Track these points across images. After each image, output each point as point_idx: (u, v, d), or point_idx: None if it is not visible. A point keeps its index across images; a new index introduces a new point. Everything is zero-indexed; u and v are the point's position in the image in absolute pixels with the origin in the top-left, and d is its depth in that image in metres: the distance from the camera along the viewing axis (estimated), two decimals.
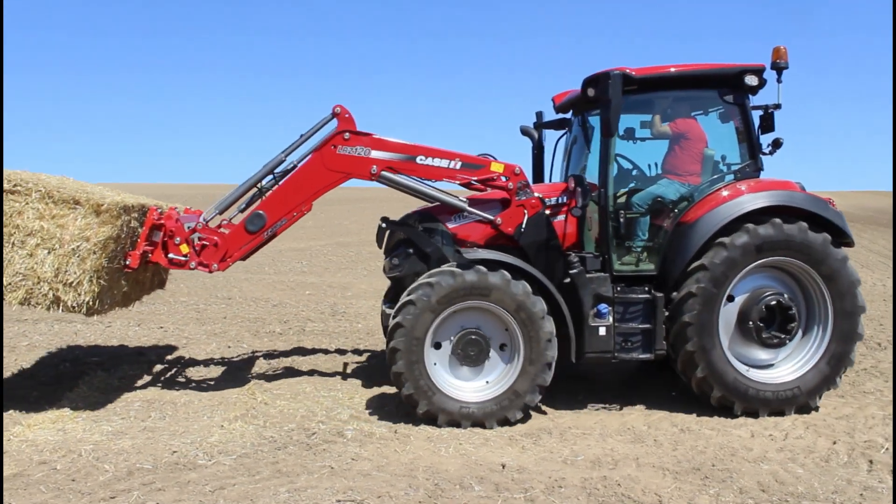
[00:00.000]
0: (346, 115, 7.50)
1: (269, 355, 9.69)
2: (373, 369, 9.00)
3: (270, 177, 7.73)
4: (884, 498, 5.44)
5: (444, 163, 7.60)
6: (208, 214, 7.67)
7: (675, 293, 7.25)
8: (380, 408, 7.45)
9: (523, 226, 7.55)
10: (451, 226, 7.75)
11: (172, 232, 7.38)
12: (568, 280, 7.35)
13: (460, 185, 7.79)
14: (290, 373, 8.80)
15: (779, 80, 7.52)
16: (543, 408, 7.51)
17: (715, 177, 7.67)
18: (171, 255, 7.40)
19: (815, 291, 7.38)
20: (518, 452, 6.27)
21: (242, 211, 7.84)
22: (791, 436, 6.78)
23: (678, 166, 7.73)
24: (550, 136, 9.17)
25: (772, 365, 7.47)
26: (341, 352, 9.95)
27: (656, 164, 8.04)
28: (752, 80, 7.43)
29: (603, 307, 7.28)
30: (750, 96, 7.67)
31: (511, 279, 6.89)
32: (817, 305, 7.41)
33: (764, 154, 7.71)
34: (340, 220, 36.26)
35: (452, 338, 7.04)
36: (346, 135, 7.48)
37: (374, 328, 11.55)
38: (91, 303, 6.80)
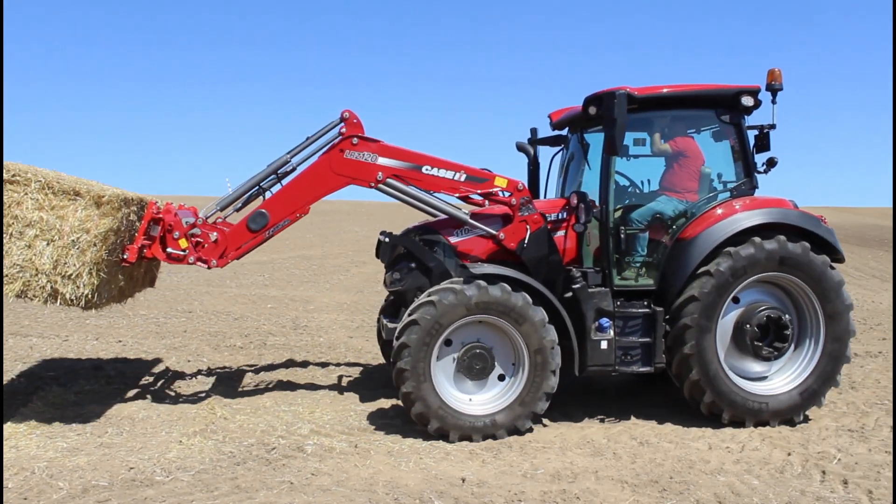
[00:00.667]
0: (355, 121, 7.54)
1: (230, 369, 9.61)
2: (334, 384, 8.97)
3: (274, 176, 7.72)
4: None
5: (449, 174, 7.65)
6: (208, 211, 7.61)
7: (672, 316, 7.41)
8: (340, 422, 7.43)
9: (526, 241, 7.62)
10: (453, 240, 7.80)
11: (171, 226, 7.32)
12: (569, 294, 7.45)
13: (458, 198, 7.83)
14: (251, 387, 8.75)
15: (773, 101, 7.75)
16: None
17: (711, 194, 7.86)
18: (169, 250, 7.35)
19: (808, 309, 7.59)
20: (478, 466, 6.28)
21: (238, 210, 7.81)
22: (747, 448, 6.88)
23: (676, 183, 7.89)
24: (544, 152, 9.31)
25: (765, 377, 7.66)
26: (303, 366, 9.89)
27: (649, 181, 8.22)
28: (748, 100, 7.65)
29: (604, 321, 7.42)
30: (745, 116, 7.89)
31: (511, 291, 6.97)
32: (809, 323, 7.61)
33: (759, 172, 7.92)
34: (303, 232, 36.07)
35: (456, 353, 7.09)
36: (355, 140, 7.51)
37: (336, 342, 11.53)
38: (90, 296, 6.72)
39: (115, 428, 7.09)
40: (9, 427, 7.01)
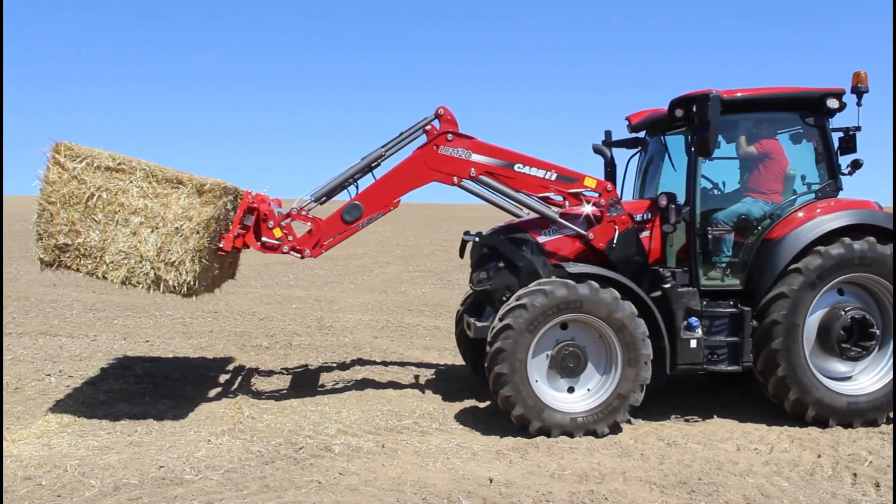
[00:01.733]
0: (449, 117, 7.60)
1: (256, 369, 9.67)
2: (360, 383, 8.99)
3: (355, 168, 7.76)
4: None
5: (540, 173, 7.70)
6: (302, 202, 7.68)
7: (760, 314, 7.47)
8: (367, 422, 7.45)
9: (614, 241, 7.70)
10: (541, 239, 7.84)
11: (266, 216, 7.46)
12: (658, 294, 7.52)
13: (537, 196, 7.84)
14: (277, 387, 8.79)
15: (858, 104, 7.80)
16: None
17: (796, 196, 7.94)
18: (264, 239, 7.48)
19: (889, 304, 7.66)
20: (506, 467, 6.27)
21: (322, 203, 7.83)
22: (776, 449, 6.82)
23: (762, 185, 7.93)
24: (619, 154, 9.36)
25: (849, 377, 7.70)
26: (328, 366, 9.93)
27: (724, 183, 8.31)
28: (833, 103, 7.72)
29: (693, 320, 7.47)
30: (829, 119, 7.92)
31: (600, 288, 7.06)
32: (894, 323, 7.66)
33: (843, 174, 7.98)
34: None
35: (550, 352, 7.17)
36: (449, 136, 7.57)
37: (361, 342, 11.55)
38: (192, 282, 6.86)
39: (144, 427, 7.16)
40: (41, 425, 7.11)
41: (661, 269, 7.66)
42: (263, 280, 19.07)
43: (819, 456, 6.64)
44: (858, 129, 7.92)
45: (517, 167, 7.67)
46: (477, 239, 8.07)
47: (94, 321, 12.86)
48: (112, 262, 6.74)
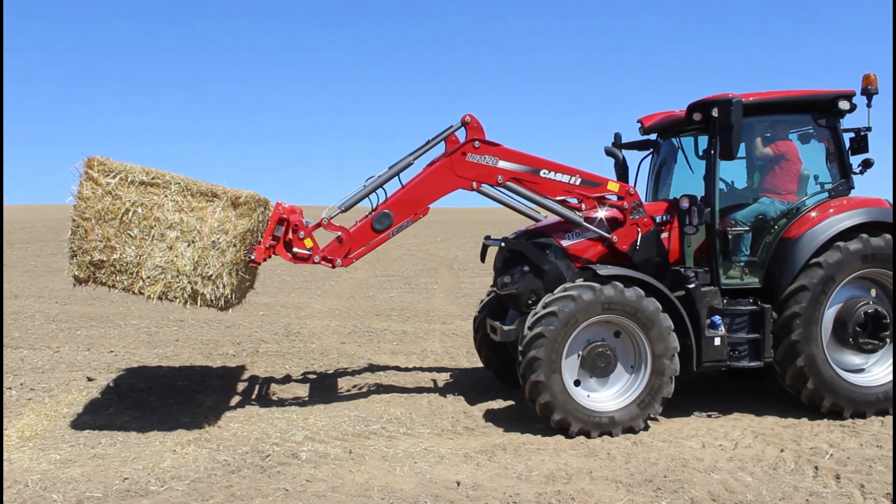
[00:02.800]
0: (476, 125, 7.70)
1: (223, 377, 9.59)
2: (327, 389, 8.96)
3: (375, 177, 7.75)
4: (829, 502, 5.59)
5: (565, 178, 7.83)
6: (331, 212, 7.64)
7: (777, 307, 7.70)
8: (334, 428, 7.42)
9: (637, 243, 7.88)
10: (564, 243, 7.98)
11: (297, 227, 7.47)
12: (681, 293, 7.65)
13: (554, 199, 7.93)
14: (244, 395, 8.74)
15: (868, 105, 8.05)
16: (498, 425, 7.58)
17: (810, 195, 8.15)
18: (295, 250, 7.49)
19: None
20: (473, 469, 6.28)
21: (344, 212, 7.76)
22: (741, 445, 6.91)
23: (778, 185, 8.16)
24: (630, 156, 9.51)
25: (863, 369, 7.98)
26: (295, 372, 9.89)
27: (732, 182, 8.53)
28: (844, 104, 7.97)
29: (717, 318, 7.64)
30: (840, 119, 8.16)
31: (644, 296, 7.23)
32: None
33: (855, 174, 8.23)
34: None
35: (581, 351, 7.30)
36: (476, 143, 7.67)
37: (329, 348, 11.51)
38: (230, 295, 6.88)
39: (108, 439, 7.07)
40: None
41: (683, 269, 7.83)
42: None
43: (782, 450, 6.74)
44: (869, 129, 8.18)
45: (542, 173, 7.79)
46: (503, 244, 8.17)
47: (57, 332, 12.69)
48: (149, 277, 6.70)
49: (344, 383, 9.28)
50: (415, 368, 10.15)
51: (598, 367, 7.30)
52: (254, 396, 8.66)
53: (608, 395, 7.38)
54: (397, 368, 10.14)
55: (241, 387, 9.12)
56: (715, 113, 7.56)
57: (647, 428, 7.33)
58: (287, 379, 9.53)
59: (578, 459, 6.52)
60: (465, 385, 9.21)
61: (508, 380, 8.80)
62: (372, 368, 10.12)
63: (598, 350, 7.29)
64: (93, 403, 8.32)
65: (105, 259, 6.67)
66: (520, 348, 7.21)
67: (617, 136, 9.58)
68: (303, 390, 8.93)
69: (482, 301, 9.25)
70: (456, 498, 5.65)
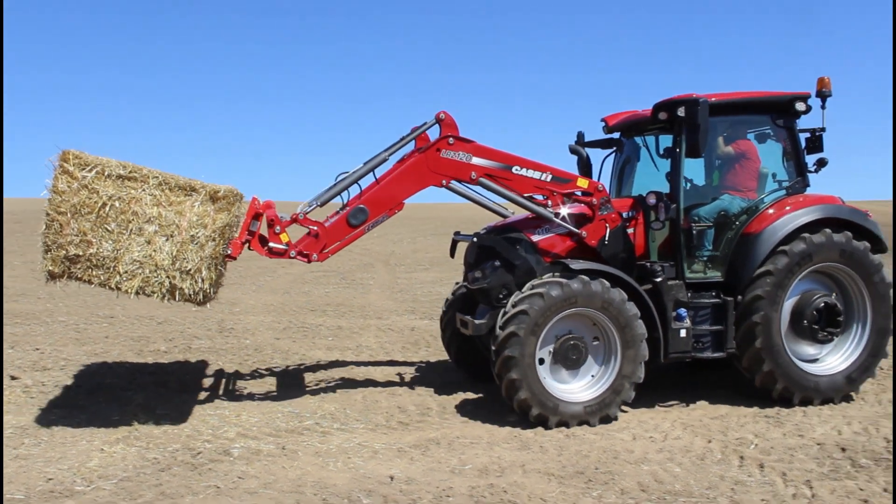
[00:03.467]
0: (450, 121, 7.78)
1: (154, 374, 9.41)
2: (261, 385, 8.88)
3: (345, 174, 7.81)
4: (752, 490, 5.74)
5: (536, 174, 7.95)
6: (306, 207, 7.61)
7: (739, 296, 8.00)
8: (267, 424, 7.35)
9: (606, 238, 8.05)
10: (535, 238, 8.08)
11: (272, 221, 7.44)
12: (649, 287, 7.86)
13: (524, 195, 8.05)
14: (175, 392, 8.57)
15: (823, 107, 8.42)
16: (432, 419, 7.61)
17: (769, 192, 8.45)
18: (271, 245, 7.46)
19: (854, 293, 8.34)
20: (407, 464, 6.30)
21: (321, 206, 7.80)
22: (670, 436, 7.05)
23: (739, 183, 8.45)
24: (593, 154, 9.75)
25: (816, 359, 8.34)
26: (229, 369, 9.77)
27: (692, 181, 8.75)
28: (801, 105, 8.32)
29: (682, 311, 7.90)
30: (797, 120, 8.50)
31: (610, 287, 7.42)
32: (856, 305, 8.35)
33: (810, 172, 8.56)
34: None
35: (552, 345, 7.45)
36: (451, 140, 7.74)
37: (263, 344, 11.40)
38: (208, 290, 6.83)
39: (32, 439, 6.88)
40: None
41: (650, 264, 8.05)
42: None
43: (710, 441, 6.90)
44: (823, 130, 8.54)
45: (515, 169, 7.89)
46: (475, 239, 8.31)
47: None
48: (126, 272, 6.60)
49: (278, 379, 9.21)
50: (350, 364, 10.11)
51: (570, 359, 7.47)
52: (185, 393, 8.50)
53: (582, 386, 7.57)
54: (332, 364, 10.09)
55: (172, 384, 8.95)
56: (682, 112, 7.79)
57: (615, 419, 7.55)
58: (220, 375, 9.41)
59: (512, 453, 6.58)
60: (399, 380, 9.22)
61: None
62: (306, 364, 10.06)
63: (569, 343, 7.45)
64: (16, 403, 8.09)
65: (81, 254, 6.55)
66: (493, 348, 7.34)
67: (580, 135, 9.79)
68: (236, 387, 8.83)
69: (448, 299, 9.29)
70: (389, 493, 5.65)
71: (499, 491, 5.68)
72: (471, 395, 8.48)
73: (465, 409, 7.98)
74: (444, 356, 10.61)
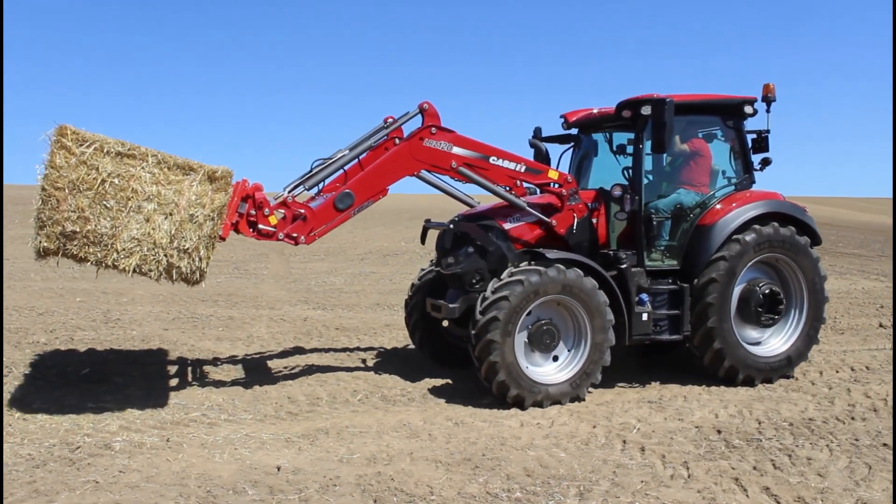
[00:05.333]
0: (432, 111, 8.03)
1: (32, 367, 9.02)
2: (146, 377, 8.63)
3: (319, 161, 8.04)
4: (633, 473, 5.94)
5: (511, 165, 8.30)
6: (295, 190, 7.78)
7: (695, 280, 8.55)
8: (152, 417, 7.16)
9: (573, 228, 8.51)
10: (506, 226, 8.46)
11: (262, 203, 7.44)
12: (614, 273, 8.26)
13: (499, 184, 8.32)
14: (55, 385, 8.24)
15: (768, 111, 9.05)
16: (322, 409, 7.57)
17: (719, 188, 9.05)
18: (260, 227, 7.48)
19: (793, 282, 9.03)
20: (294, 454, 6.24)
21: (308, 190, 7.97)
22: (557, 423, 7.21)
23: (693, 178, 9.01)
24: (551, 148, 10.06)
25: (759, 342, 8.98)
26: (113, 361, 9.44)
27: (649, 175, 9.14)
28: (749, 109, 8.96)
29: (644, 296, 8.40)
30: (744, 122, 9.15)
31: (583, 275, 7.83)
32: (794, 293, 9.05)
33: (755, 170, 9.22)
34: None
35: (528, 330, 7.80)
36: (433, 129, 7.99)
37: (150, 335, 11.09)
38: (205, 269, 6.86)
39: None
40: None
41: (614, 252, 8.52)
42: (44, 273, 17.76)
43: (594, 426, 7.09)
44: (768, 131, 9.14)
45: (492, 159, 8.21)
46: (451, 226, 8.58)
47: None
48: (124, 249, 6.52)
49: (164, 370, 8.98)
50: (240, 354, 9.95)
51: (544, 343, 7.86)
52: (66, 386, 8.18)
53: (554, 368, 7.96)
54: (221, 355, 9.91)
55: (52, 377, 8.60)
56: (647, 111, 8.22)
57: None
58: (103, 367, 9.08)
59: (401, 441, 6.60)
60: (290, 370, 9.12)
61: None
62: (195, 355, 9.85)
63: (544, 328, 7.82)
64: None
65: (78, 230, 6.44)
66: (473, 332, 7.61)
67: (537, 130, 10.14)
68: (120, 379, 8.53)
69: (414, 284, 9.55)
70: (275, 483, 5.60)
71: (386, 479, 5.70)
72: (361, 384, 8.46)
73: (355, 398, 7.96)
74: (335, 345, 10.63)
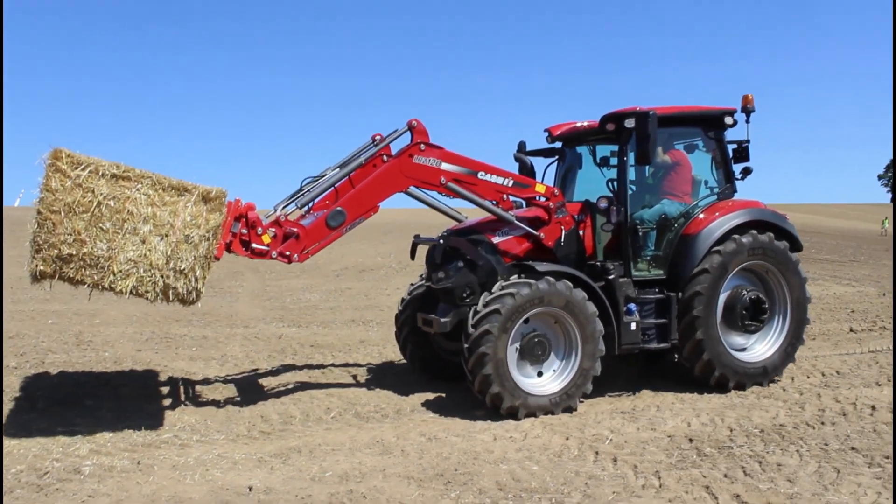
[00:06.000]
0: (421, 128, 8.12)
1: (1, 392, 8.89)
2: (118, 399, 8.55)
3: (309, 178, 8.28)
4: (605, 484, 5.96)
5: (499, 180, 8.41)
6: (287, 209, 7.93)
7: (680, 293, 8.68)
8: (123, 439, 7.09)
9: (561, 240, 8.64)
10: (495, 240, 8.57)
11: (255, 223, 7.49)
12: (602, 284, 8.38)
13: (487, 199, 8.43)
14: (24, 410, 8.13)
15: (747, 121, 9.26)
16: (295, 427, 7.54)
17: (702, 197, 9.22)
18: (253, 246, 7.51)
19: (776, 288, 9.22)
20: (266, 474, 6.21)
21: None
22: (530, 436, 7.23)
23: (676, 188, 9.15)
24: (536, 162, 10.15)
25: (745, 348, 9.16)
26: (84, 384, 9.34)
27: (633, 186, 9.22)
28: (729, 119, 9.16)
29: (632, 306, 8.52)
30: (724, 133, 9.32)
31: (573, 287, 7.93)
32: (778, 298, 9.24)
33: (737, 179, 9.39)
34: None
35: (519, 342, 7.89)
36: (422, 146, 8.08)
37: (123, 356, 10.99)
38: (201, 289, 6.87)
39: None
40: None
41: (602, 263, 8.64)
42: (15, 295, 17.64)
43: (567, 438, 7.11)
44: (748, 141, 9.31)
45: (480, 175, 8.32)
46: (441, 241, 8.65)
47: None
48: (121, 271, 6.55)
49: (136, 392, 8.89)
50: (213, 374, 9.89)
51: (535, 354, 7.96)
52: (35, 411, 8.08)
53: (546, 380, 8.06)
54: (194, 375, 9.84)
55: (21, 401, 8.49)
56: (630, 124, 8.35)
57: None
58: (75, 391, 8.98)
59: (373, 458, 6.59)
60: (263, 389, 9.08)
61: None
62: (168, 376, 9.77)
63: (535, 339, 7.92)
64: None
65: (74, 253, 6.46)
66: (466, 345, 7.70)
67: (521, 144, 10.22)
68: (91, 402, 8.44)
69: (404, 299, 9.60)
70: (247, 503, 5.57)
71: (358, 496, 5.69)
72: (335, 402, 8.44)
73: (328, 415, 7.94)
74: (310, 362, 10.60)
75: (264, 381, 9.49)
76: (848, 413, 7.83)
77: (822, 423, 7.49)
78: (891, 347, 11.25)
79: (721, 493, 5.74)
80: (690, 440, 7.03)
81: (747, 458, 6.50)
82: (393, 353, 11.29)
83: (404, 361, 9.89)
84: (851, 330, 12.80)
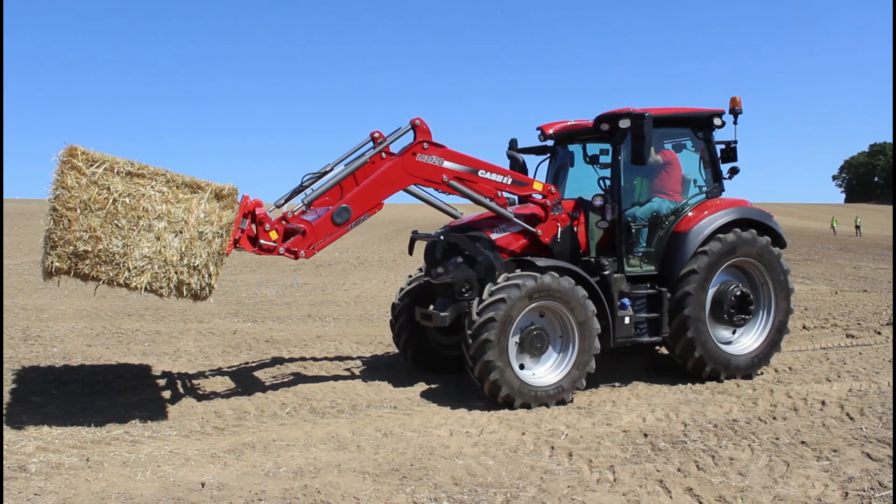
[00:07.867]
0: (424, 127, 8.31)
1: None
2: (67, 396, 8.37)
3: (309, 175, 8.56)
4: (560, 478, 5.97)
5: (499, 178, 8.57)
6: (293, 206, 8.08)
7: (673, 288, 8.92)
8: (72, 436, 6.93)
9: (558, 236, 8.79)
10: (493, 236, 8.76)
11: (262, 219, 7.61)
12: (597, 279, 8.57)
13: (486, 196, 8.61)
14: None
15: (735, 123, 9.59)
16: (249, 423, 7.44)
17: (691, 195, 9.50)
18: (262, 242, 7.63)
19: (761, 284, 9.56)
20: (220, 469, 6.12)
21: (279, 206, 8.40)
22: (486, 431, 7.22)
23: (667, 187, 9.42)
24: (528, 159, 10.42)
25: (730, 342, 9.49)
26: (31, 380, 9.12)
27: (625, 185, 9.33)
28: (717, 121, 9.45)
29: (626, 301, 8.78)
30: (713, 133, 9.61)
31: (559, 277, 8.11)
32: (762, 292, 9.58)
33: (725, 178, 9.71)
34: (39, 236, 33.42)
35: (519, 334, 8.07)
36: (425, 144, 8.21)
37: (72, 351, 10.78)
38: (214, 285, 6.96)
39: None
40: None
41: (597, 259, 8.90)
42: None
43: (523, 433, 7.12)
44: (735, 142, 9.66)
45: (481, 173, 8.46)
46: (441, 237, 8.76)
47: None
48: (135, 267, 6.64)
49: (86, 388, 8.71)
50: (166, 370, 9.74)
51: (535, 347, 8.16)
52: None
53: (543, 372, 8.25)
54: (146, 370, 9.69)
55: None
56: (625, 124, 8.54)
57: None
58: (21, 387, 8.77)
59: (328, 453, 6.53)
60: (217, 384, 8.98)
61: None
62: (119, 371, 9.60)
63: (534, 332, 8.09)
64: None
65: (89, 249, 6.53)
66: (469, 332, 7.84)
67: (513, 142, 10.39)
68: (38, 398, 8.25)
69: (402, 290, 9.69)
70: (199, 500, 5.48)
71: (312, 492, 5.63)
72: (290, 397, 8.37)
73: (283, 411, 7.86)
74: (265, 358, 10.51)
75: (218, 377, 9.37)
76: (799, 408, 7.96)
77: (774, 418, 7.60)
78: (842, 344, 11.53)
79: (674, 486, 5.79)
80: (645, 435, 7.08)
81: (700, 453, 6.56)
82: (349, 348, 11.25)
83: (359, 357, 9.86)
84: (804, 327, 13.03)
